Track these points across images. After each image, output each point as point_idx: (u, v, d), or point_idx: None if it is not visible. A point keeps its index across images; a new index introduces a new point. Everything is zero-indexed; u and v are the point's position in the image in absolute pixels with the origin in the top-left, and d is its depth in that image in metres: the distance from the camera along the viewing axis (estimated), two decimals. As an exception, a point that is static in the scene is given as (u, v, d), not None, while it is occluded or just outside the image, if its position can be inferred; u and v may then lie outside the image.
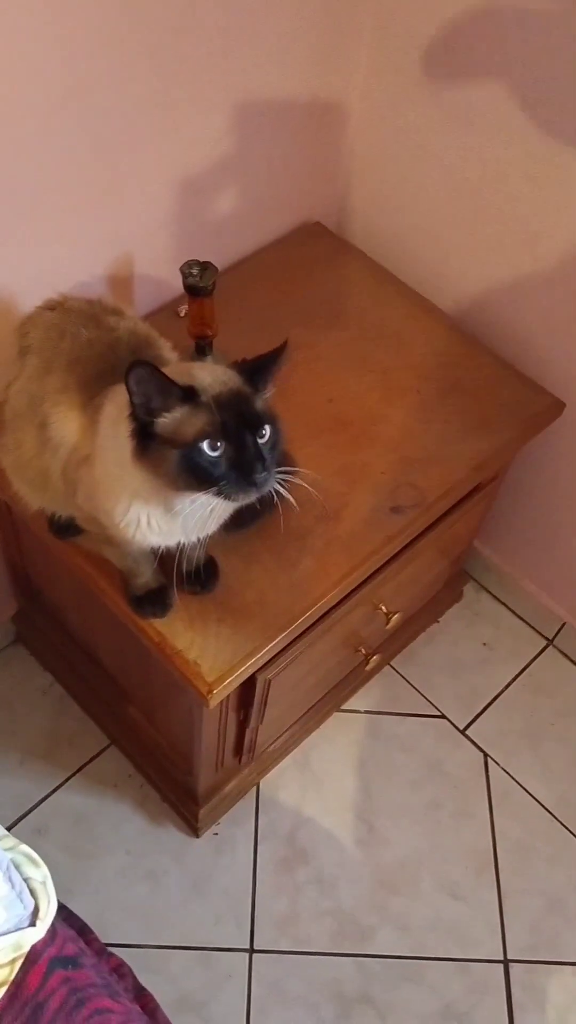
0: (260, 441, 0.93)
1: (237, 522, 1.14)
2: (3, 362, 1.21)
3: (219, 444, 0.91)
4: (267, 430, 0.94)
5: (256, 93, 1.42)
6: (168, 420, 0.92)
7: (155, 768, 1.71)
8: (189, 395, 0.91)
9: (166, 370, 0.93)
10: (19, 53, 1.09)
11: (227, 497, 0.93)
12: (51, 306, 1.12)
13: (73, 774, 1.75)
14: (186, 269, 1.35)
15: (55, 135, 1.20)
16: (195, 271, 1.34)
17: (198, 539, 1.08)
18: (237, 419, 0.92)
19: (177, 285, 1.52)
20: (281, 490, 0.97)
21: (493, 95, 1.39)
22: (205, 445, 0.90)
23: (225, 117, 1.40)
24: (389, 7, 1.43)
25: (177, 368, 0.98)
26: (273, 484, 0.95)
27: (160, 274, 1.51)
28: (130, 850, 1.68)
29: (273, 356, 0.97)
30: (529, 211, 1.45)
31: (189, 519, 0.98)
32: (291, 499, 1.00)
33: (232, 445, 0.91)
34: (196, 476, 0.92)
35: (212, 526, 1.07)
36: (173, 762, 1.61)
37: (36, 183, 1.23)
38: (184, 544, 1.09)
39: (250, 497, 0.94)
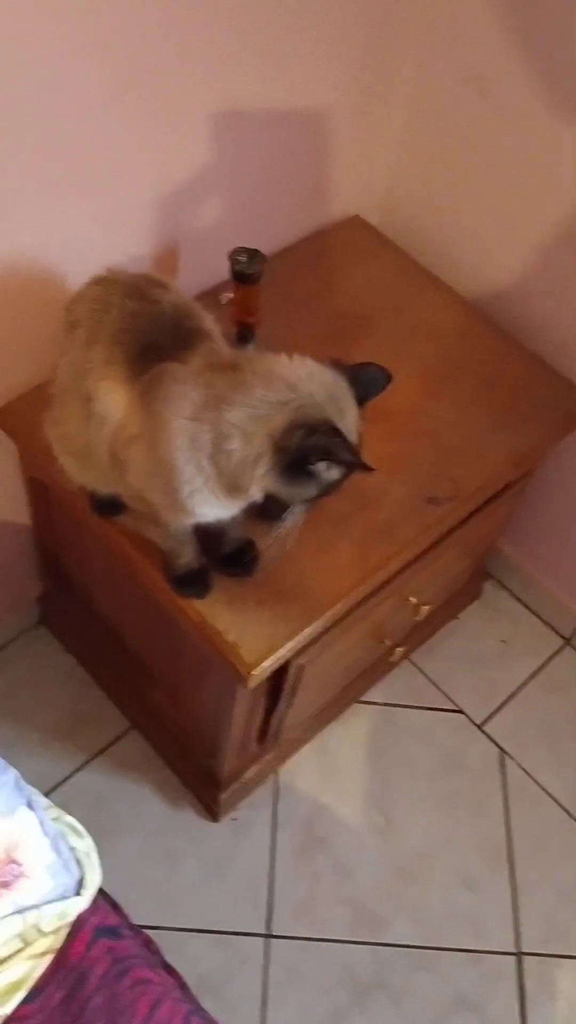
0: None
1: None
2: (52, 341, 1.22)
3: (334, 472, 1.03)
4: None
5: (307, 86, 1.43)
6: (325, 469, 1.01)
7: (177, 751, 1.72)
8: (351, 457, 1.01)
9: (328, 408, 1.00)
10: (79, 33, 1.10)
11: (303, 507, 1.07)
12: (97, 280, 1.12)
13: (94, 756, 1.76)
14: (234, 256, 1.36)
15: (106, 120, 1.21)
16: (243, 258, 1.36)
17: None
18: (354, 459, 1.01)
19: (218, 272, 1.54)
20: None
21: (542, 94, 1.40)
22: (323, 468, 1.01)
23: (269, 109, 1.41)
24: (439, 6, 1.45)
25: (186, 322, 1.05)
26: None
27: (203, 260, 1.52)
28: (149, 832, 1.69)
29: (374, 376, 1.09)
30: (572, 211, 1.46)
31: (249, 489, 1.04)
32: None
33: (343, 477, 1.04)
34: (296, 488, 1.03)
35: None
36: (196, 746, 1.63)
37: (87, 165, 1.24)
38: (233, 516, 1.12)
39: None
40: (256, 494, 1.03)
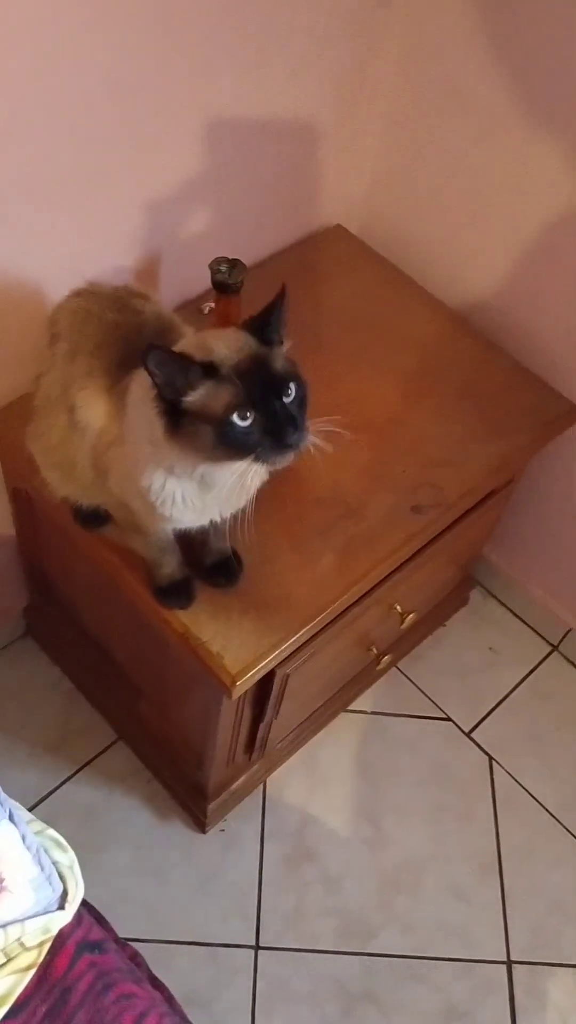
0: (287, 400, 0.93)
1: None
2: (35, 352, 1.22)
3: (248, 414, 0.91)
4: (292, 388, 0.94)
5: (288, 98, 1.44)
6: (195, 398, 0.92)
7: (164, 763, 1.71)
8: (210, 370, 0.92)
9: (183, 343, 0.95)
10: (59, 46, 1.10)
11: (265, 462, 0.94)
12: (78, 293, 1.13)
13: (81, 768, 1.75)
14: (215, 266, 1.36)
15: (86, 132, 1.22)
16: (224, 268, 1.36)
17: (232, 515, 1.10)
18: (261, 385, 0.92)
19: (199, 283, 1.55)
20: (317, 442, 0.97)
21: (518, 104, 1.41)
22: (235, 417, 0.91)
23: (252, 120, 1.42)
24: (416, 20, 1.45)
25: (193, 341, 0.99)
26: (308, 440, 0.95)
27: (184, 271, 1.52)
28: (138, 845, 1.69)
29: (276, 305, 0.96)
30: (551, 220, 1.47)
31: (223, 491, 0.99)
32: (328, 447, 0.98)
33: (261, 412, 0.91)
34: (232, 447, 0.92)
35: (243, 500, 1.08)
36: (183, 757, 1.62)
37: (65, 178, 1.24)
38: (216, 522, 1.11)
39: (288, 459, 0.94)
40: (204, 474, 0.98)
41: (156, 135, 1.31)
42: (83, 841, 1.66)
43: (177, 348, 0.95)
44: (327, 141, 1.58)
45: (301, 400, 0.95)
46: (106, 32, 1.14)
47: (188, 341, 0.98)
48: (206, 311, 1.52)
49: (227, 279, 1.35)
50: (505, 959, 1.65)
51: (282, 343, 0.97)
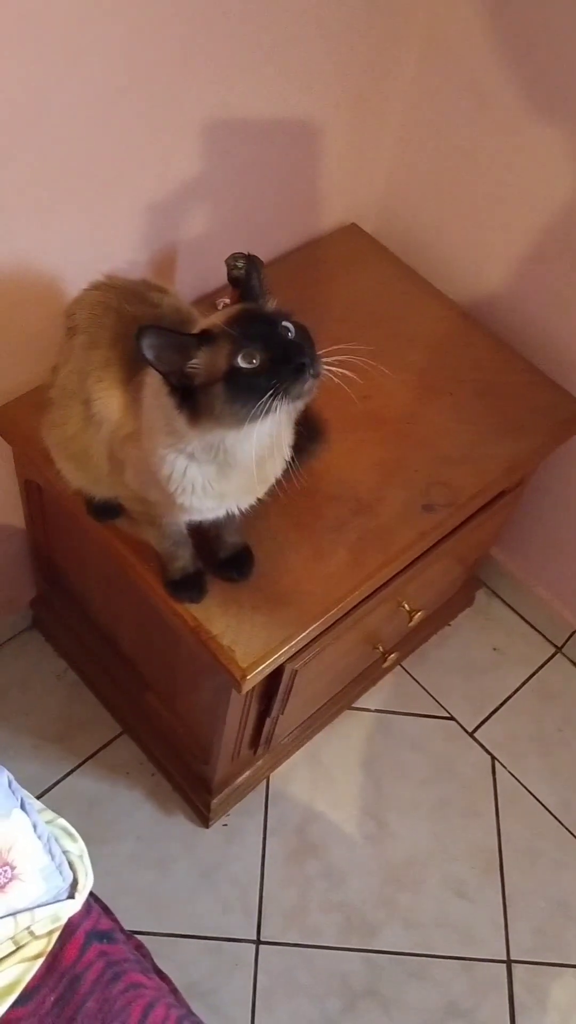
0: (289, 334, 0.93)
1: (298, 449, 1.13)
2: (43, 347, 1.22)
3: (254, 355, 0.90)
4: (288, 325, 0.93)
5: (304, 95, 1.44)
6: (198, 365, 0.92)
7: (169, 756, 1.71)
8: (204, 336, 0.92)
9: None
10: (84, 40, 1.11)
11: (288, 394, 0.90)
12: (96, 286, 1.13)
13: (85, 760, 1.75)
14: (231, 261, 1.36)
15: (104, 128, 1.22)
16: (241, 264, 1.36)
17: (249, 506, 1.10)
18: (256, 326, 0.92)
19: (214, 278, 1.55)
20: (336, 370, 0.95)
21: (536, 102, 1.41)
22: (240, 360, 0.90)
23: (268, 118, 1.42)
24: (435, 17, 1.46)
25: (185, 328, 0.99)
26: (322, 367, 0.93)
27: (199, 267, 1.52)
28: (140, 837, 1.69)
29: (248, 273, 1.00)
30: (567, 219, 1.47)
31: (244, 475, 1.00)
32: (349, 373, 0.95)
33: (264, 348, 0.90)
34: (249, 393, 0.90)
35: (262, 489, 1.08)
36: (189, 750, 1.62)
37: (84, 172, 1.25)
38: (236, 514, 1.11)
39: (307, 385, 0.91)
40: (227, 452, 0.98)
41: (171, 132, 1.31)
42: (86, 833, 1.66)
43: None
44: (342, 139, 1.58)
45: (302, 334, 0.95)
46: (124, 29, 1.14)
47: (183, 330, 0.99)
48: (220, 307, 1.51)
49: (243, 274, 1.36)
50: (505, 958, 1.66)
51: (270, 299, 0.99)
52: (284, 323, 0.93)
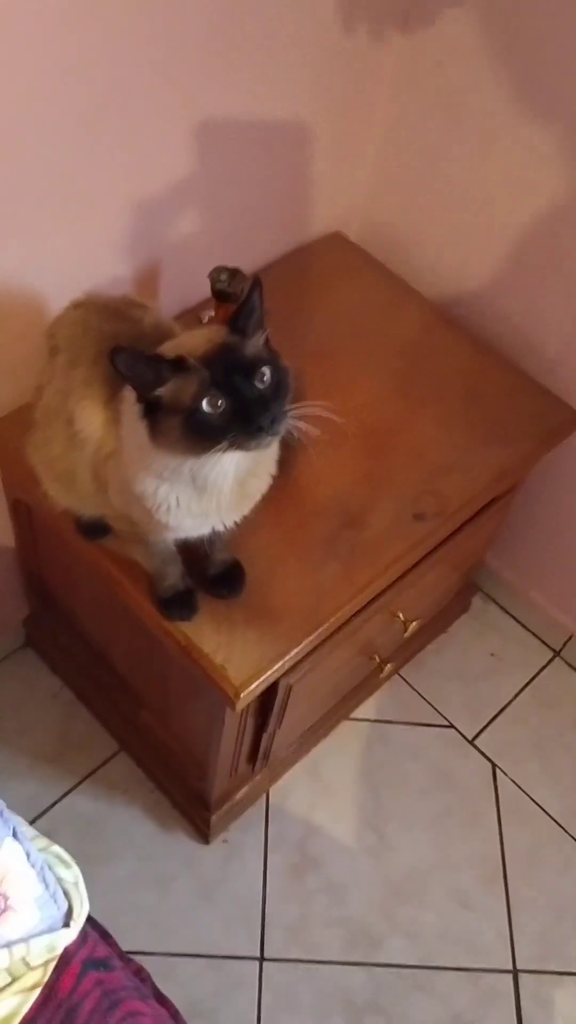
0: (260, 386, 0.92)
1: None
2: (26, 366, 1.21)
3: (218, 401, 0.90)
4: (265, 371, 0.92)
5: (285, 104, 1.43)
6: (166, 392, 0.92)
7: (166, 774, 1.70)
8: (178, 365, 0.91)
9: (165, 345, 0.95)
10: (50, 59, 1.09)
11: (241, 447, 0.92)
12: (76, 304, 1.12)
13: (83, 779, 1.74)
14: (215, 275, 1.35)
15: (83, 141, 1.21)
16: (224, 277, 1.35)
17: (235, 524, 1.09)
18: (228, 371, 0.91)
19: (198, 291, 1.54)
20: (301, 425, 0.95)
21: (517, 110, 1.41)
22: (204, 404, 0.90)
23: (249, 127, 1.41)
24: (419, 27, 1.45)
25: (169, 345, 0.98)
26: (285, 424, 0.94)
27: (183, 280, 1.51)
28: (140, 856, 1.67)
29: (249, 297, 0.95)
30: (551, 225, 1.47)
31: (222, 496, 1.00)
32: (314, 431, 0.96)
33: (230, 397, 0.90)
34: (205, 435, 0.91)
35: (246, 507, 1.07)
36: (186, 768, 1.61)
37: (63, 187, 1.23)
38: (220, 532, 1.10)
39: (263, 442, 0.92)
40: (195, 476, 0.97)
41: (153, 144, 1.30)
42: (85, 853, 1.65)
43: (159, 350, 0.95)
44: (325, 149, 1.57)
45: (278, 385, 0.94)
46: (101, 40, 1.13)
47: (167, 345, 0.97)
48: (205, 320, 1.51)
49: (227, 288, 1.35)
50: (511, 968, 1.64)
51: (261, 332, 0.96)
52: (262, 368, 0.92)
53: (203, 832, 1.68)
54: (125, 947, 1.56)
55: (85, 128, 1.19)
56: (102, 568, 1.28)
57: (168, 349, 0.95)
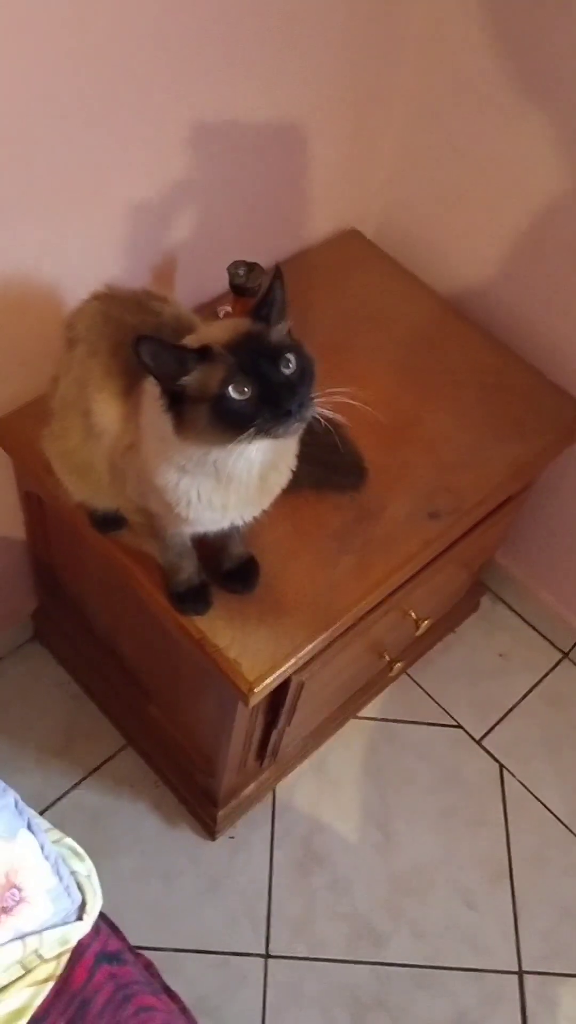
0: (287, 371, 0.92)
1: (302, 480, 1.12)
2: (42, 359, 1.21)
3: (244, 387, 0.90)
4: (291, 358, 0.92)
5: (303, 100, 1.43)
6: (192, 381, 0.91)
7: (173, 769, 1.70)
8: (204, 353, 0.91)
9: (188, 337, 0.95)
10: (74, 53, 1.09)
11: (268, 433, 0.91)
12: (97, 296, 1.12)
13: (89, 773, 1.74)
14: (233, 269, 1.35)
15: (102, 134, 1.20)
16: (242, 271, 1.35)
17: (253, 518, 1.08)
18: (254, 357, 0.91)
19: (215, 286, 1.54)
20: (327, 413, 0.95)
21: (537, 105, 1.40)
22: (231, 390, 0.90)
23: (268, 124, 1.41)
24: (432, 21, 1.44)
25: (191, 337, 0.97)
26: (312, 410, 0.93)
27: (200, 274, 1.51)
28: (145, 851, 1.67)
29: (271, 287, 0.95)
30: (567, 223, 1.46)
31: (243, 487, 0.99)
32: (342, 419, 0.96)
33: (257, 383, 0.90)
34: (232, 422, 0.90)
35: (266, 501, 1.07)
36: (194, 763, 1.60)
37: (82, 180, 1.23)
38: (239, 526, 1.09)
39: (291, 428, 0.92)
40: (218, 467, 0.97)
41: (168, 139, 1.30)
42: (91, 847, 1.64)
43: (182, 342, 0.95)
44: (342, 145, 1.56)
45: (303, 371, 0.93)
46: (119, 31, 1.12)
47: (189, 338, 0.97)
48: (222, 315, 1.50)
49: (245, 282, 1.34)
50: (516, 968, 1.64)
51: (284, 321, 0.96)
52: (287, 355, 0.92)
53: (209, 828, 1.67)
54: (130, 942, 1.56)
55: (101, 121, 1.19)
56: (116, 561, 1.28)
57: (191, 340, 0.95)
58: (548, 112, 1.40)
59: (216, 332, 0.95)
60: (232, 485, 1.00)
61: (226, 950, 1.60)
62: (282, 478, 1.07)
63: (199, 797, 1.66)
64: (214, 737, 1.45)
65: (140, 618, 1.38)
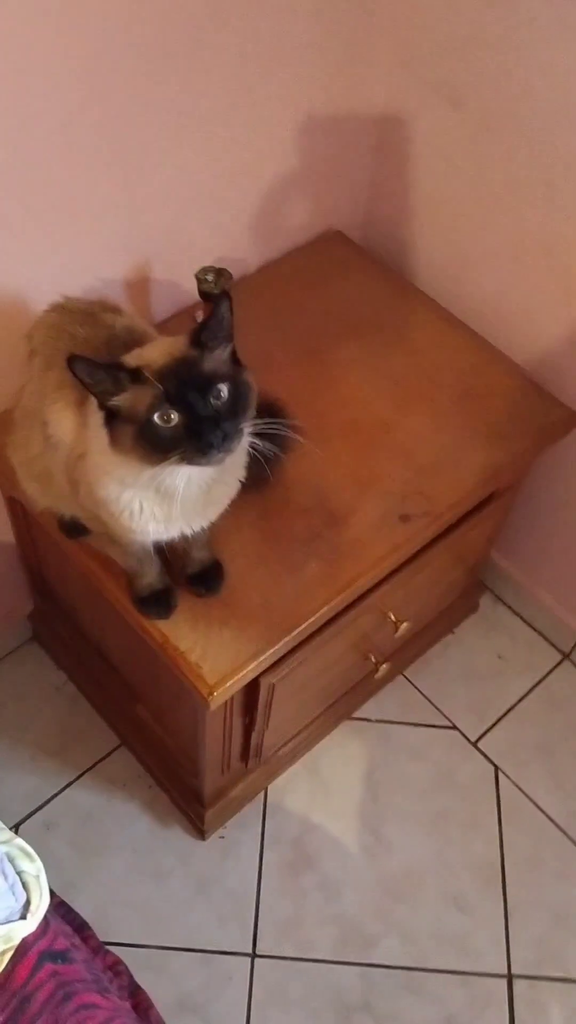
0: (217, 401, 0.93)
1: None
2: (13, 368, 1.23)
3: (169, 416, 0.92)
4: (222, 388, 0.94)
5: (279, 103, 1.43)
6: (123, 402, 0.93)
7: (163, 769, 1.72)
8: (136, 374, 0.93)
9: (128, 356, 0.96)
10: (36, 59, 1.11)
11: (191, 463, 0.94)
12: (53, 308, 1.14)
13: (83, 772, 1.76)
14: (201, 275, 1.36)
15: (71, 141, 1.22)
16: (210, 277, 1.36)
17: (202, 528, 1.09)
18: (182, 386, 0.92)
19: (192, 292, 1.55)
20: (258, 444, 0.98)
21: (514, 107, 1.39)
22: (156, 418, 0.92)
23: (246, 126, 1.42)
24: (408, 25, 1.44)
25: (134, 353, 0.99)
26: (237, 442, 0.95)
27: (179, 279, 1.52)
28: (137, 849, 1.69)
29: (215, 309, 0.96)
30: (549, 223, 1.44)
31: (186, 502, 1.01)
32: (274, 449, 1.00)
33: (183, 413, 0.92)
34: (157, 447, 0.93)
35: (212, 514, 1.08)
36: (180, 763, 1.62)
37: (51, 188, 1.25)
38: (188, 537, 1.10)
39: (213, 459, 0.94)
40: (157, 483, 0.98)
41: (145, 142, 1.31)
42: (82, 845, 1.69)
43: (124, 357, 0.96)
44: (325, 147, 1.56)
45: (235, 402, 0.95)
46: (93, 38, 1.14)
47: (133, 353, 0.98)
48: (199, 318, 1.52)
49: (213, 288, 1.36)
50: (506, 972, 1.63)
51: (225, 345, 0.97)
52: (218, 385, 0.93)
53: (199, 827, 1.69)
54: (118, 939, 1.59)
55: (70, 128, 1.21)
56: (84, 566, 1.30)
57: (132, 358, 0.97)
58: (519, 116, 1.38)
59: (153, 354, 0.96)
60: (174, 499, 1.01)
61: (213, 948, 1.62)
62: (230, 490, 1.08)
63: (188, 797, 1.68)
64: (192, 737, 1.46)
65: (118, 621, 1.40)
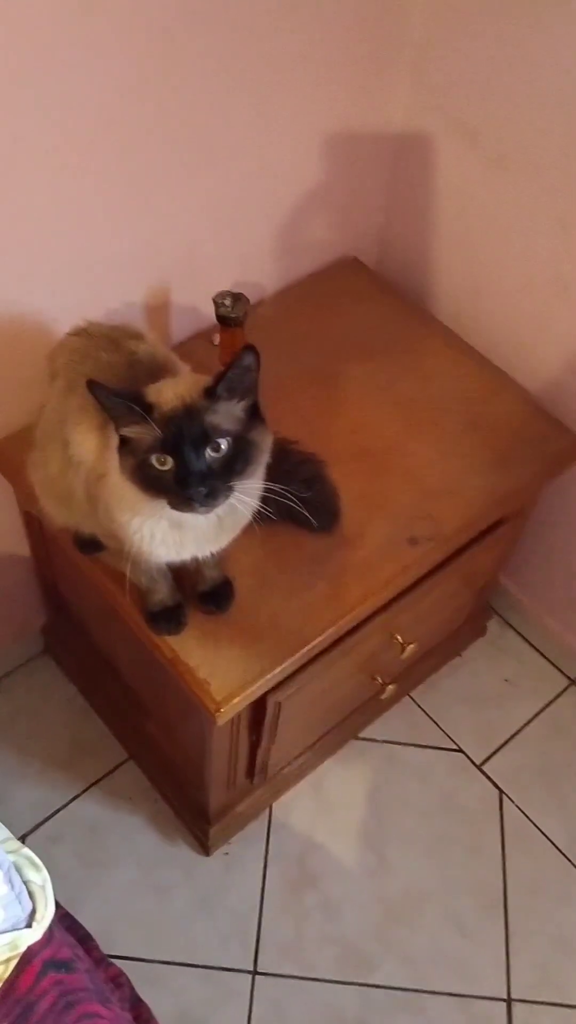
0: (214, 455, 0.95)
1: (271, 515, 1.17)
2: (36, 385, 1.26)
3: (165, 459, 0.95)
4: (221, 443, 0.95)
5: (297, 130, 1.47)
6: (132, 432, 0.97)
7: (170, 784, 1.73)
8: (147, 411, 0.95)
9: (153, 386, 0.98)
10: (59, 86, 1.14)
11: (175, 508, 0.97)
12: (76, 332, 1.17)
13: (91, 785, 1.78)
14: (219, 299, 1.39)
15: (94, 168, 1.25)
16: (227, 302, 1.39)
17: (212, 554, 1.12)
18: (180, 435, 0.94)
19: (210, 315, 1.58)
20: (248, 501, 1.02)
21: (529, 138, 1.42)
22: (152, 459, 0.95)
23: (263, 153, 1.45)
24: (426, 54, 1.47)
25: (157, 386, 1.00)
26: (223, 499, 0.97)
27: (198, 302, 1.55)
28: (141, 864, 1.71)
29: (236, 362, 0.97)
30: (561, 254, 1.47)
31: (197, 531, 1.04)
32: (267, 511, 1.06)
33: (176, 463, 0.95)
34: (150, 486, 0.97)
35: (224, 540, 1.10)
36: (187, 779, 1.64)
37: (74, 213, 1.28)
38: (199, 559, 1.13)
39: (197, 511, 0.97)
40: (169, 512, 1.00)
41: (166, 169, 1.34)
42: (88, 857, 1.71)
43: (149, 387, 0.99)
44: (342, 175, 1.60)
45: (232, 458, 0.97)
46: (115, 66, 1.17)
47: (158, 385, 1.01)
48: (216, 342, 1.55)
49: (229, 312, 1.39)
50: (505, 996, 1.63)
51: (240, 400, 0.98)
52: (219, 440, 0.95)
53: (203, 843, 1.70)
54: (120, 952, 1.60)
55: (92, 155, 1.24)
56: (98, 581, 1.32)
57: (153, 391, 0.98)
58: (537, 148, 1.41)
59: (169, 394, 0.97)
60: (184, 527, 1.04)
61: (215, 965, 1.63)
62: (241, 519, 1.10)
63: (193, 813, 1.69)
64: (199, 753, 1.48)
65: (129, 636, 1.42)
